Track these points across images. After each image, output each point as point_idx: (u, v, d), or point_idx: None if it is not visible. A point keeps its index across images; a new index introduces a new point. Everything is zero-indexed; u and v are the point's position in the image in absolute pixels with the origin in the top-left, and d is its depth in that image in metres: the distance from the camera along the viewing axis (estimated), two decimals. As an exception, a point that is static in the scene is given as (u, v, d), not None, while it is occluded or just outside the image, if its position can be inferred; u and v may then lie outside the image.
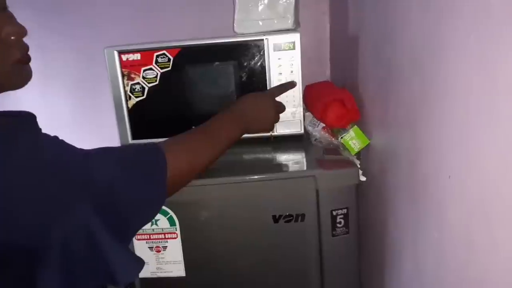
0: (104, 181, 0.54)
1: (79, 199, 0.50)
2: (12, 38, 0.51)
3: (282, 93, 0.92)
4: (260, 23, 0.96)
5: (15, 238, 0.45)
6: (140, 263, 0.59)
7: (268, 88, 0.94)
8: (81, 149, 0.56)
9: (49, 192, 0.47)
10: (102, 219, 0.52)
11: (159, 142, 0.68)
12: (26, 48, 0.54)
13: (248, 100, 0.85)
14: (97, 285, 0.57)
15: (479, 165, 0.43)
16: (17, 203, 0.45)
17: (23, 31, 0.52)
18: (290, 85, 0.93)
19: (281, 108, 0.91)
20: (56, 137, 0.54)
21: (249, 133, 0.83)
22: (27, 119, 0.53)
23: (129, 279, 0.56)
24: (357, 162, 0.86)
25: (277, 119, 0.89)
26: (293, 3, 0.95)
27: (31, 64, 0.54)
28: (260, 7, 0.95)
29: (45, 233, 0.47)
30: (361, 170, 0.83)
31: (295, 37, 0.91)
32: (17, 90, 0.53)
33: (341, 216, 0.80)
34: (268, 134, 0.95)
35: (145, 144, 0.66)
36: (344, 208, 0.80)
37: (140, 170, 0.62)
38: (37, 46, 0.60)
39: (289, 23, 0.96)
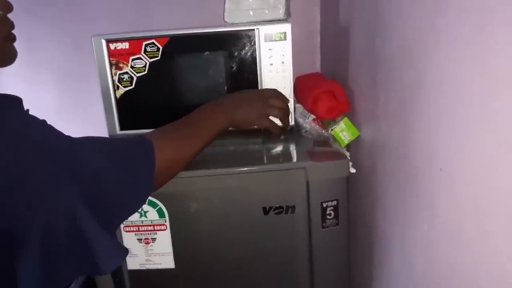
0: (89, 166, 0.54)
1: (63, 181, 0.49)
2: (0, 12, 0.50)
3: (276, 104, 0.87)
4: (251, 13, 0.95)
5: None
6: (124, 251, 0.58)
7: (258, 77, 0.92)
8: (68, 136, 0.55)
9: (34, 172, 0.47)
10: (86, 204, 0.51)
11: (145, 134, 0.67)
12: (12, 25, 0.53)
13: (236, 93, 0.85)
14: (80, 274, 0.56)
15: (471, 158, 0.43)
16: (0, 183, 0.44)
17: (9, 6, 0.51)
18: (285, 115, 0.89)
19: (274, 99, 0.87)
20: (44, 121, 0.53)
21: (236, 125, 0.82)
22: (13, 101, 0.52)
23: (112, 267, 0.56)
24: (347, 154, 0.86)
25: (264, 111, 0.85)
26: (284, -7, 0.94)
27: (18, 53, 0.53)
28: (251, -3, 0.94)
29: (27, 215, 0.46)
30: (351, 162, 0.83)
31: (286, 27, 0.90)
32: (2, 79, 0.51)
33: (331, 208, 0.80)
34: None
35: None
36: (334, 200, 0.80)
37: (127, 159, 0.61)
38: (23, 35, 0.58)
39: (280, 13, 0.95)
